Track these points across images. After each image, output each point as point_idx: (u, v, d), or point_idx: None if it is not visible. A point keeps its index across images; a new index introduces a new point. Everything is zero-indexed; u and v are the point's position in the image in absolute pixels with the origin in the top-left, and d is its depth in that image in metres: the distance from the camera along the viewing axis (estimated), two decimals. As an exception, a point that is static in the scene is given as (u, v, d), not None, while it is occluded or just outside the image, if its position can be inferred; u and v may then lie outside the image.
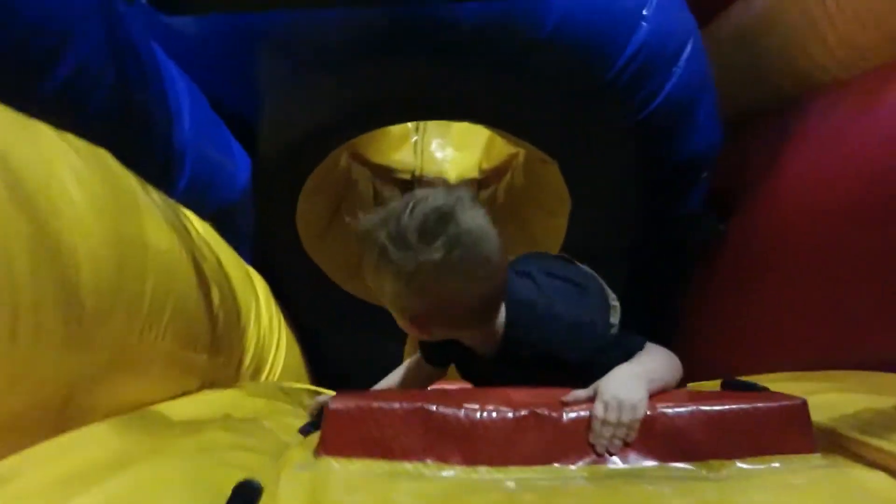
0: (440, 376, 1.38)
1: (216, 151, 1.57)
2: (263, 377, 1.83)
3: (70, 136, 0.89)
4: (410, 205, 1.02)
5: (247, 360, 1.65)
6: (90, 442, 0.84)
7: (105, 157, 0.99)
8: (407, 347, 2.58)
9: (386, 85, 1.74)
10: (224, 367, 1.50)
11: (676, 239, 2.12)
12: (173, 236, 1.19)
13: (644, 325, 2.36)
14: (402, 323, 1.12)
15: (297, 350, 2.17)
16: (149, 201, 1.13)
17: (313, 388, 1.84)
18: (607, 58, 1.66)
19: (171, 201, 1.33)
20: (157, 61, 1.19)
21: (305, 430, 1.10)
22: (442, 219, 0.99)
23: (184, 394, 1.30)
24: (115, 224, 0.99)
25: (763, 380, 1.48)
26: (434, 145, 3.07)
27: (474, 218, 1.02)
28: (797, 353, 1.64)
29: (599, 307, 1.33)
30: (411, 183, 2.92)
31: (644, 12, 1.65)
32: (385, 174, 2.87)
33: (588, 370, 0.97)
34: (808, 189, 1.77)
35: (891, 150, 1.42)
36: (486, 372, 1.20)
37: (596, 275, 1.48)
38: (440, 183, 2.93)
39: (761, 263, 1.90)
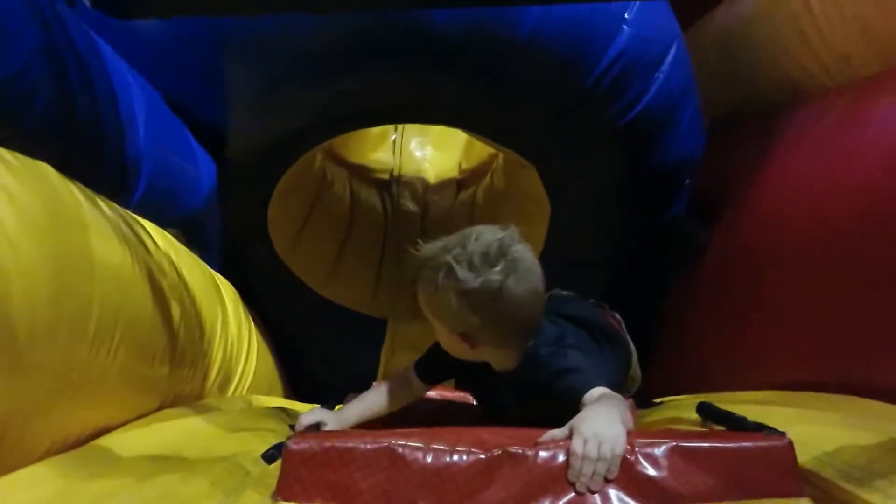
0: (424, 392, 1.41)
1: (177, 158, 1.50)
2: (232, 388, 1.76)
3: (2, 151, 0.82)
4: (474, 235, 1.17)
5: (213, 372, 1.59)
6: (25, 487, 0.78)
7: (44, 170, 0.93)
8: (384, 353, 2.53)
9: (359, 90, 1.68)
10: (188, 381, 1.44)
11: (658, 246, 2.08)
12: (125, 250, 1.13)
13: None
14: (448, 339, 1.22)
15: (269, 358, 2.11)
16: (96, 215, 1.07)
17: (285, 403, 1.78)
18: (587, 63, 1.61)
19: (126, 213, 1.27)
20: (104, 66, 1.12)
21: (269, 457, 1.04)
22: (501, 248, 1.16)
23: (140, 416, 1.24)
24: (54, 242, 0.92)
25: (741, 399, 1.46)
26: (413, 144, 3.00)
27: (525, 251, 1.21)
28: (779, 369, 1.61)
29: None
30: (389, 183, 2.85)
31: (626, 16, 1.60)
32: (363, 174, 2.79)
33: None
34: (792, 199, 1.73)
35: (878, 165, 1.38)
36: (491, 390, 1.30)
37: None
38: (419, 183, 2.86)
39: (744, 274, 1.86)
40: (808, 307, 1.59)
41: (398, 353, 2.49)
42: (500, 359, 1.24)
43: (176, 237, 1.59)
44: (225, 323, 1.66)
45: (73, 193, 1.04)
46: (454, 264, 1.14)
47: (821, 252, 1.58)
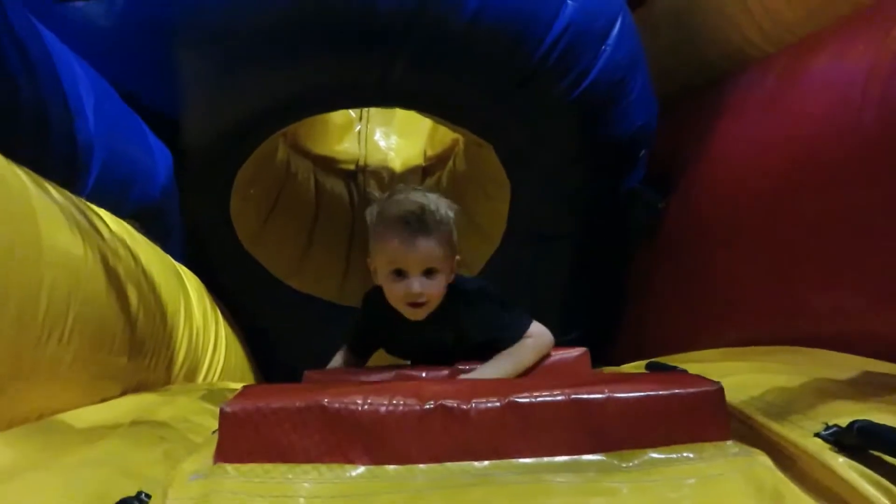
0: (362, 366, 1.53)
1: (131, 147, 1.50)
2: (201, 378, 1.77)
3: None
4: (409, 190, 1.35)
5: (178, 361, 1.59)
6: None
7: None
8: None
9: (307, 73, 1.69)
10: (151, 369, 1.44)
11: (619, 217, 2.12)
12: (76, 236, 1.13)
13: (591, 306, 2.38)
14: (442, 270, 1.31)
15: (239, 349, 2.11)
16: (45, 201, 1.07)
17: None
18: (533, 39, 1.64)
19: (79, 200, 1.27)
20: (47, 51, 1.12)
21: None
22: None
23: (102, 400, 1.25)
24: (-1, 228, 0.93)
25: (692, 358, 1.49)
26: (378, 134, 3.01)
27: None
28: (737, 329, 1.65)
29: None
30: (355, 173, 2.86)
31: (568, -12, 1.63)
32: (327, 165, 2.81)
33: (491, 343, 1.33)
34: (740, 162, 1.78)
35: (814, 118, 1.42)
36: (414, 341, 1.43)
37: None
38: (385, 173, 2.88)
39: (701, 237, 1.90)
40: (760, 265, 1.63)
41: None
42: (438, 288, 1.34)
43: (133, 227, 1.60)
44: (189, 312, 1.67)
45: (20, 178, 1.04)
46: (434, 195, 1.32)
47: (767, 209, 1.62)
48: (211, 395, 1.35)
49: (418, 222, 1.25)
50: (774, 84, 1.64)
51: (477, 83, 1.73)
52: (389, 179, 2.89)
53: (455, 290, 1.37)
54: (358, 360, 1.52)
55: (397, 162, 2.95)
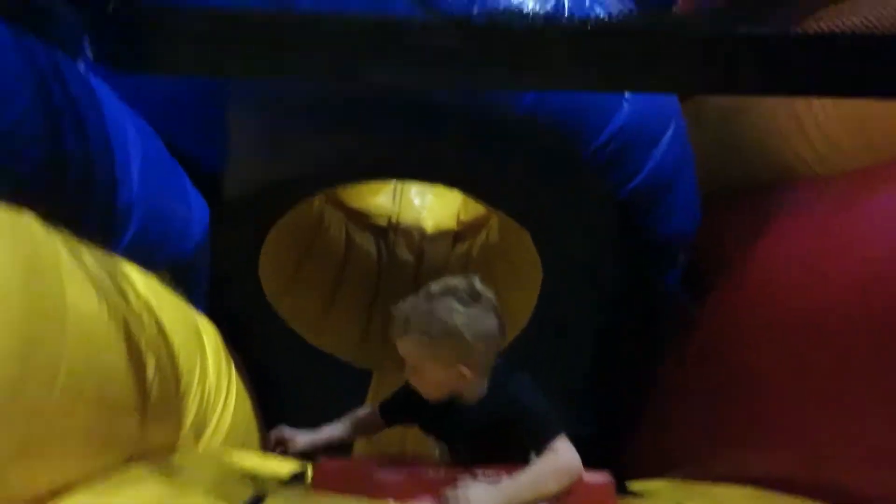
0: (381, 429, 1.65)
1: (170, 202, 1.50)
2: (207, 437, 1.74)
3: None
4: (444, 280, 1.38)
5: (187, 423, 1.56)
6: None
7: (25, 220, 0.92)
8: (367, 405, 2.50)
9: (357, 146, 1.69)
10: (158, 434, 1.41)
11: (649, 318, 2.07)
12: (102, 301, 1.12)
13: (610, 403, 2.32)
14: (444, 376, 1.35)
15: (248, 405, 2.08)
16: (75, 264, 1.06)
17: (258, 458, 1.75)
18: (585, 136, 1.62)
19: (111, 258, 1.26)
20: (102, 115, 1.13)
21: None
22: (474, 283, 1.36)
23: (103, 471, 1.21)
24: (27, 293, 0.91)
25: (718, 495, 1.42)
26: (413, 191, 3.00)
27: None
28: (762, 457, 1.58)
29: None
30: (386, 230, 2.85)
31: (626, 94, 1.62)
32: (360, 219, 2.80)
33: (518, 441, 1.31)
34: (784, 281, 1.72)
35: (877, 256, 1.37)
36: (457, 427, 1.43)
37: None
38: (416, 232, 2.86)
39: (733, 353, 1.84)
40: (790, 397, 1.56)
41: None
42: (479, 385, 1.38)
43: (162, 279, 1.59)
44: (203, 371, 1.64)
45: (54, 242, 1.03)
46: (455, 300, 1.32)
47: (811, 339, 1.56)
48: (218, 475, 1.31)
49: (403, 323, 1.34)
50: (829, 210, 1.60)
51: (523, 173, 1.72)
52: (420, 240, 2.87)
53: (496, 381, 1.39)
54: (379, 421, 1.60)
55: (430, 222, 2.93)
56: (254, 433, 2.14)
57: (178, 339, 1.46)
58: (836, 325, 1.48)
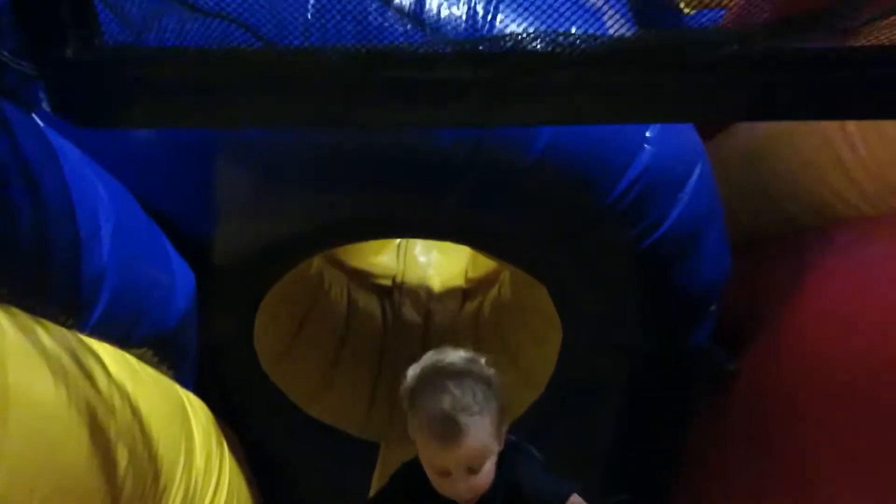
0: None
1: (149, 270, 1.35)
2: (195, 531, 1.54)
3: None
4: (443, 353, 1.31)
5: (169, 520, 1.37)
6: None
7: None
8: (375, 479, 2.30)
9: (356, 204, 1.56)
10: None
11: (679, 376, 1.89)
12: (59, 386, 0.96)
13: (640, 467, 2.12)
14: (486, 452, 1.23)
15: (243, 488, 1.88)
16: (23, 345, 0.90)
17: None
18: (604, 183, 1.48)
19: (75, 338, 1.10)
20: (62, 177, 0.99)
21: None
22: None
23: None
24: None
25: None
26: (418, 248, 2.86)
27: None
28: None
29: None
30: (391, 290, 2.69)
31: (647, 134, 1.48)
32: (363, 279, 2.64)
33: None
34: (834, 334, 1.55)
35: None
36: None
37: None
38: (422, 291, 2.70)
39: (776, 416, 1.66)
40: (849, 463, 1.39)
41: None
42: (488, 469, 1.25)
43: (142, 357, 1.43)
44: (189, 456, 1.46)
45: None
46: (462, 390, 1.20)
47: (867, 398, 1.39)
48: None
49: (454, 425, 1.17)
50: (879, 253, 1.45)
51: (536, 225, 1.57)
52: (427, 298, 2.71)
53: (502, 461, 1.27)
54: None
55: (436, 280, 2.78)
56: (251, 518, 1.94)
57: (158, 423, 1.29)
58: (888, 391, 1.32)
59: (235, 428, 2.04)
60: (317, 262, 2.34)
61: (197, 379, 1.80)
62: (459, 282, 2.75)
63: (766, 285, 1.91)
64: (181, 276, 1.47)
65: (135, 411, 1.20)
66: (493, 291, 2.52)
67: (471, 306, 2.60)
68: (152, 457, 1.23)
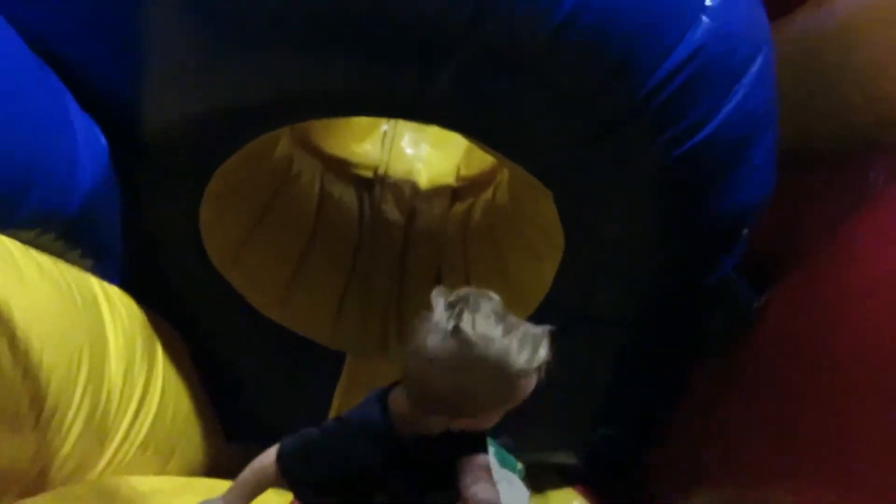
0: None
1: (34, 133, 1.03)
2: (112, 449, 1.30)
3: None
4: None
5: (66, 442, 1.12)
6: None
7: None
8: (338, 393, 2.07)
9: (324, 72, 1.22)
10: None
11: (695, 311, 1.62)
12: None
13: (632, 408, 1.90)
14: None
15: (183, 402, 1.64)
16: None
17: (175, 483, 1.32)
18: (644, 64, 1.14)
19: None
20: None
21: None
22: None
23: None
24: None
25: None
26: (406, 139, 2.52)
27: None
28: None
29: None
30: (372, 183, 2.37)
31: (707, 2, 1.13)
32: (340, 169, 2.31)
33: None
34: (881, 275, 1.29)
35: None
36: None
37: None
38: (407, 187, 2.38)
39: (805, 366, 1.41)
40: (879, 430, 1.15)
41: (355, 394, 2.03)
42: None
43: (38, 243, 1.13)
44: (97, 369, 1.20)
45: None
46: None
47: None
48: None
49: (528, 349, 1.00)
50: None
51: (551, 115, 1.23)
52: (411, 196, 2.40)
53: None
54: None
55: (424, 176, 2.45)
56: (193, 437, 1.72)
57: (41, 328, 1.01)
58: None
59: (183, 333, 1.78)
60: (283, 143, 2.00)
61: (134, 274, 1.52)
62: (449, 180, 2.43)
63: (810, 211, 1.62)
64: (88, 146, 1.16)
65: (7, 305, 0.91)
66: (487, 194, 2.21)
67: (460, 208, 2.30)
68: (29, 373, 0.96)
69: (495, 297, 1.02)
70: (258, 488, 1.08)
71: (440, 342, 0.96)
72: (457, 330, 0.95)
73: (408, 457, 1.08)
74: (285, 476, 1.05)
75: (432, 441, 1.08)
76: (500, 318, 0.98)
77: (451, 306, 0.98)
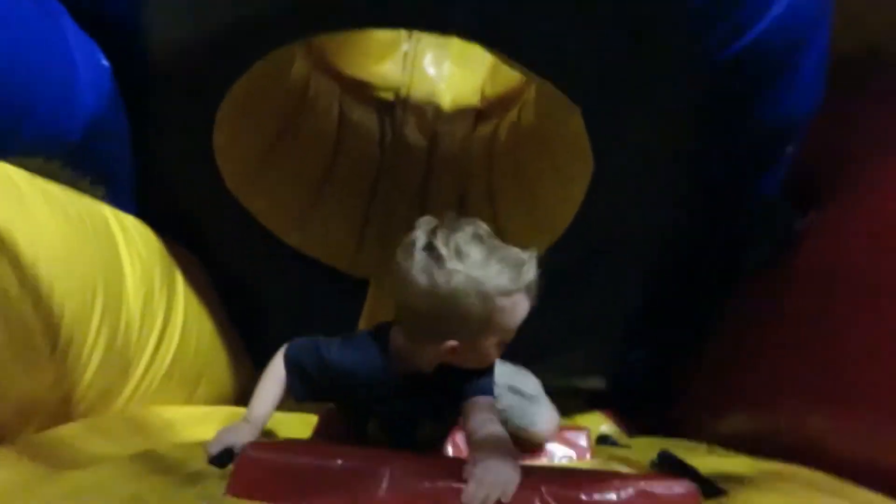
0: None
1: (29, 55, 0.97)
2: (136, 378, 1.30)
3: None
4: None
5: (88, 374, 1.11)
6: None
7: None
8: (362, 321, 2.05)
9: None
10: (21, 391, 0.96)
11: (733, 235, 1.54)
12: None
13: (663, 334, 1.85)
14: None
15: (206, 330, 1.63)
16: None
17: (197, 412, 1.32)
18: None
19: None
20: None
21: None
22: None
23: None
24: None
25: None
26: (428, 59, 2.42)
27: None
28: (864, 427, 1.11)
29: None
30: (393, 105, 2.28)
31: None
32: (360, 91, 2.23)
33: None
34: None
35: None
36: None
37: None
38: (429, 109, 2.29)
39: (849, 294, 1.33)
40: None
41: (379, 320, 2.02)
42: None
43: (46, 171, 1.09)
44: (114, 298, 1.17)
45: None
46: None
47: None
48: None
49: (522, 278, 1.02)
50: None
51: (581, 19, 1.13)
52: (434, 118, 2.31)
53: None
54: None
55: (447, 97, 2.36)
56: (219, 366, 1.72)
57: (52, 258, 0.97)
58: None
59: (203, 262, 1.75)
60: (299, 65, 1.92)
61: (150, 203, 1.49)
62: (473, 101, 2.33)
63: (862, 130, 1.50)
64: (88, 68, 1.09)
65: (11, 236, 0.87)
66: (513, 114, 2.10)
67: (484, 129, 2.21)
68: (39, 301, 0.93)
69: (482, 224, 1.02)
70: (275, 399, 1.13)
71: (417, 262, 0.97)
72: (430, 246, 0.97)
73: (403, 390, 1.10)
74: (289, 374, 1.12)
75: (428, 377, 1.09)
76: (481, 240, 0.99)
77: (431, 229, 0.99)
